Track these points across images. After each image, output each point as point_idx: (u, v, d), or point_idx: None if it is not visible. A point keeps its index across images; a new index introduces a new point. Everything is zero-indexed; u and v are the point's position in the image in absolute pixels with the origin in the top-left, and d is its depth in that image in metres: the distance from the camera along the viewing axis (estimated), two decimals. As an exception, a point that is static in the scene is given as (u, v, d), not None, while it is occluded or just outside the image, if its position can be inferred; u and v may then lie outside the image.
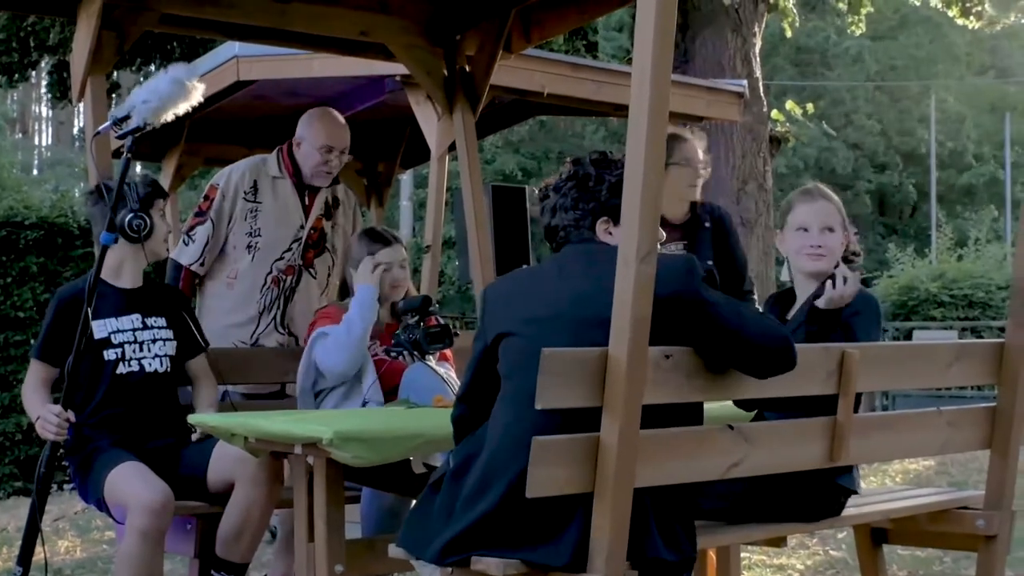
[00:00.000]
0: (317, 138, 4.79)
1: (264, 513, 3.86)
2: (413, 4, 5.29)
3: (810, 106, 13.82)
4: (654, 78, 2.58)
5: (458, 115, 5.48)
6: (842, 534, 6.12)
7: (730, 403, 3.29)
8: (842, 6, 14.34)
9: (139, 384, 4.02)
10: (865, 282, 3.51)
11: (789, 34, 13.91)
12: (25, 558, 3.67)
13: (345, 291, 4.37)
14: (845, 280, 3.38)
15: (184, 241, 4.82)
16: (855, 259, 3.72)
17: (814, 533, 6.10)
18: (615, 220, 2.87)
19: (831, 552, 5.97)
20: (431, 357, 4.18)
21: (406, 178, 21.38)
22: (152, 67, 15.03)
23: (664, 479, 2.80)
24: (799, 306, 3.62)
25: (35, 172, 37.81)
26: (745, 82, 9.65)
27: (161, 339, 4.08)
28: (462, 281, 13.78)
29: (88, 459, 3.91)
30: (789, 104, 13.29)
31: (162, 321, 4.10)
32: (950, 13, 13.41)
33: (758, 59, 12.06)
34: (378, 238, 4.34)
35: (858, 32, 14.66)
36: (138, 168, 17.03)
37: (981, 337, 15.56)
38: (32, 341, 4.23)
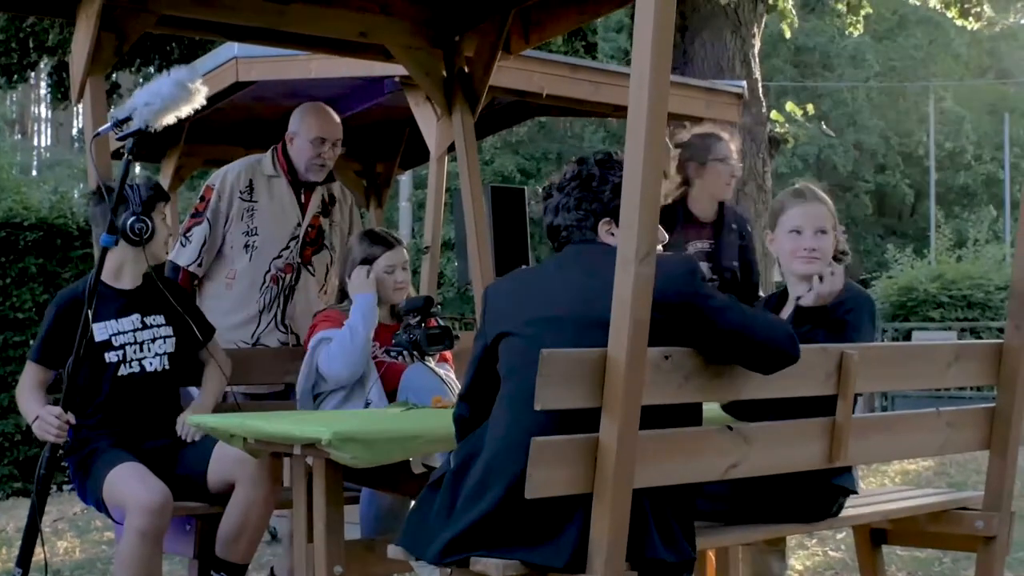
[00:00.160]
0: (309, 131, 4.82)
1: (264, 514, 3.86)
2: (412, 5, 5.29)
3: (810, 107, 13.81)
4: (653, 79, 2.58)
5: (457, 116, 5.48)
6: (841, 535, 6.12)
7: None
8: (841, 7, 14.34)
9: (140, 385, 4.02)
10: (864, 282, 3.52)
11: (788, 35, 13.90)
12: (25, 559, 3.67)
13: (344, 293, 4.36)
14: (833, 273, 3.39)
15: (181, 242, 4.83)
16: (843, 258, 3.72)
17: (813, 534, 6.10)
18: (617, 221, 2.87)
19: (830, 553, 5.98)
20: (430, 358, 4.18)
21: (405, 179, 21.35)
22: (151, 68, 15.01)
23: (663, 480, 2.80)
24: (790, 309, 3.61)
25: (34, 173, 37.76)
26: (744, 83, 9.66)
27: (161, 337, 4.09)
28: (461, 282, 13.76)
29: (87, 460, 3.91)
30: (788, 105, 13.28)
31: (160, 319, 4.10)
32: (949, 14, 13.40)
33: (757, 60, 12.05)
34: (380, 241, 4.34)
35: (856, 33, 14.66)
36: (137, 169, 17.03)
37: (980, 338, 15.56)
38: (31, 342, 4.21)
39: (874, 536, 4.01)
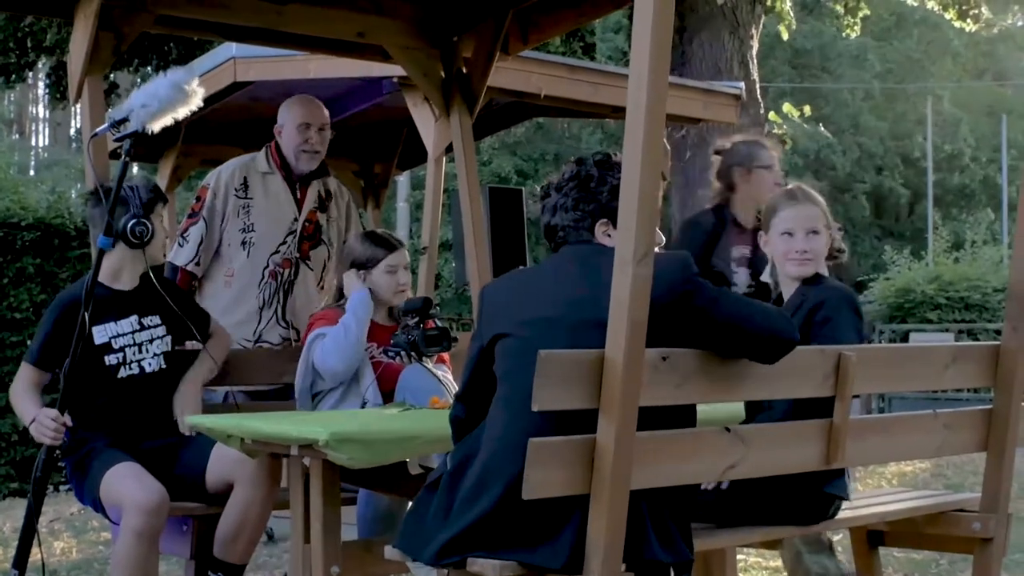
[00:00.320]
0: (294, 118, 4.87)
1: (263, 514, 3.86)
2: (410, 5, 5.29)
3: (807, 108, 13.82)
4: (651, 80, 2.58)
5: (455, 117, 5.48)
6: (838, 536, 6.12)
7: (723, 405, 3.30)
8: (839, 8, 14.35)
9: (139, 386, 4.02)
10: (861, 284, 3.52)
11: (785, 36, 13.91)
12: (21, 561, 3.66)
13: (342, 292, 4.36)
14: None
15: (179, 243, 4.84)
16: (839, 255, 3.72)
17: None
18: (614, 223, 2.87)
19: (827, 554, 5.96)
20: (428, 359, 4.18)
21: (403, 180, 21.37)
22: (149, 68, 15.01)
23: (660, 481, 2.80)
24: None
25: (32, 173, 37.73)
26: (742, 84, 9.66)
27: (158, 337, 4.09)
28: (459, 283, 13.76)
29: (84, 460, 3.90)
30: (786, 107, 13.29)
31: (156, 319, 4.10)
32: (947, 15, 13.42)
33: (755, 61, 12.06)
34: (382, 242, 4.34)
35: (853, 35, 14.68)
36: (135, 169, 16.99)
37: (977, 339, 15.57)
38: (29, 342, 4.19)
39: (871, 538, 4.01)
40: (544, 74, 7.35)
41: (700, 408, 3.06)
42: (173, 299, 4.11)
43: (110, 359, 3.98)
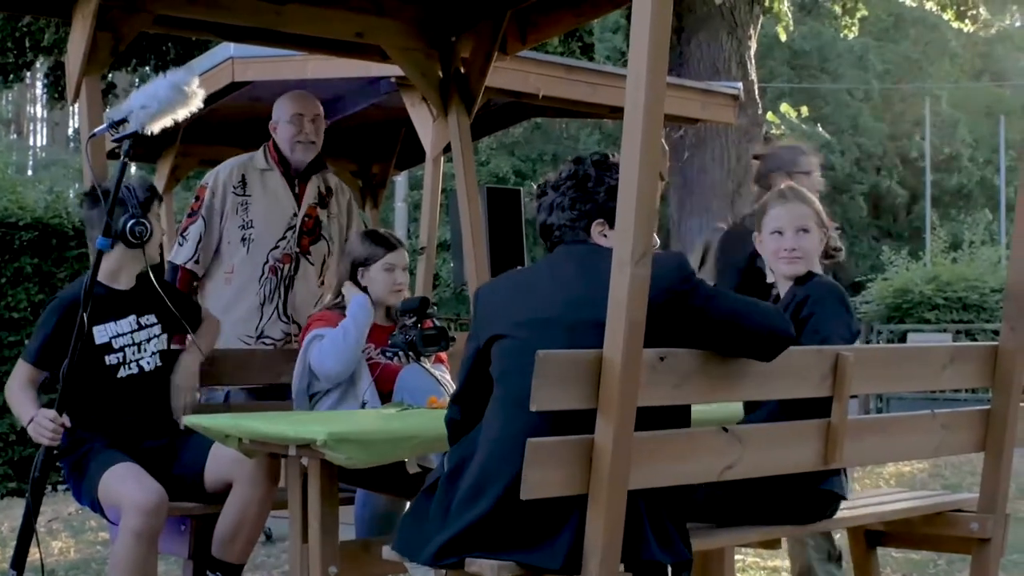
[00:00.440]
0: (286, 111, 4.92)
1: (261, 513, 3.86)
2: (408, 6, 5.29)
3: (804, 109, 13.83)
4: (649, 80, 2.58)
5: (453, 117, 5.48)
6: (836, 536, 6.12)
7: (719, 405, 3.30)
8: (837, 9, 14.36)
9: (139, 385, 4.02)
10: (859, 284, 3.51)
11: (783, 38, 13.91)
12: (19, 562, 3.66)
13: (340, 291, 4.36)
14: None
15: (179, 242, 4.87)
16: (836, 255, 3.72)
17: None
18: (611, 223, 2.87)
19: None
20: (426, 359, 4.18)
21: (401, 180, 21.36)
22: (147, 68, 15.02)
23: (658, 481, 2.80)
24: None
25: (30, 173, 37.74)
26: (740, 84, 9.66)
27: (155, 336, 4.09)
28: (457, 283, 13.74)
29: (82, 460, 3.89)
30: (784, 107, 13.31)
31: (153, 318, 4.10)
32: (945, 16, 13.43)
33: (753, 62, 12.08)
34: (382, 241, 4.35)
35: (851, 35, 14.69)
36: (133, 169, 16.99)
37: (975, 340, 15.57)
38: (27, 342, 4.18)
39: (869, 538, 4.01)
40: (542, 74, 7.35)
41: (700, 408, 3.06)
42: (170, 298, 4.11)
43: (110, 359, 3.98)
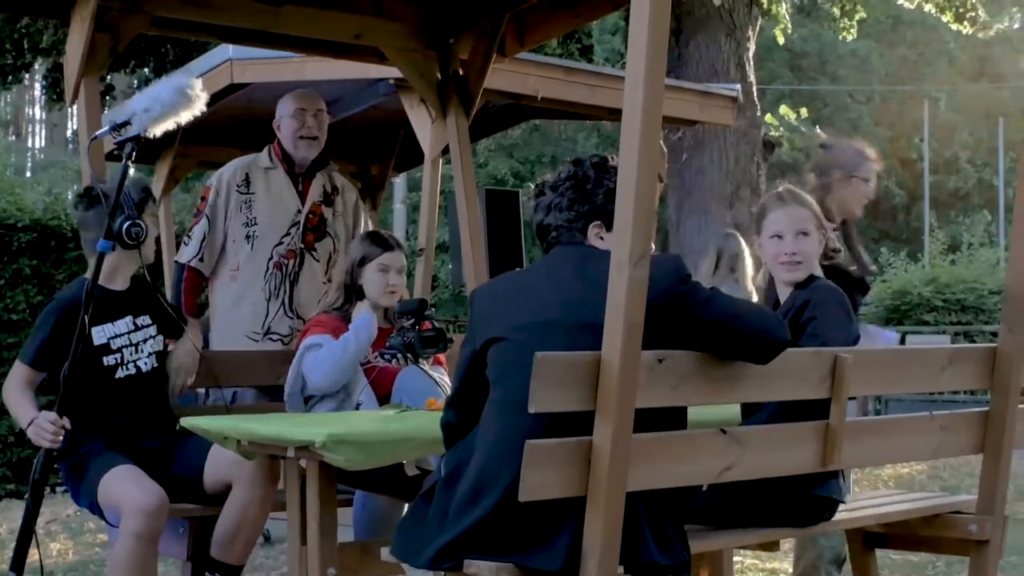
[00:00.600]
0: (288, 108, 4.94)
1: (261, 514, 3.86)
2: (407, 7, 5.30)
3: (803, 110, 13.83)
4: (647, 82, 2.58)
5: (451, 119, 5.48)
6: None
7: (716, 409, 3.29)
8: (835, 11, 14.36)
9: (137, 385, 4.02)
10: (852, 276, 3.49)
11: (781, 40, 13.90)
12: (18, 564, 3.65)
13: (344, 293, 4.34)
14: None
15: (184, 242, 4.92)
16: (835, 256, 3.71)
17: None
18: (608, 225, 2.87)
19: (824, 556, 5.96)
20: (424, 361, 4.17)
21: (399, 181, 21.35)
22: (146, 70, 15.02)
23: (657, 483, 2.80)
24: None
25: (28, 174, 37.76)
26: (739, 86, 9.67)
27: (151, 337, 4.10)
28: (455, 285, 13.75)
29: (81, 462, 3.89)
30: (782, 109, 13.31)
31: (148, 319, 4.11)
32: (944, 18, 13.43)
33: (751, 63, 12.08)
34: (380, 242, 4.34)
35: (850, 37, 14.69)
36: (131, 170, 16.98)
37: (974, 342, 15.57)
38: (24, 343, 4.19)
39: (868, 539, 4.01)
40: (541, 76, 7.36)
41: (700, 410, 3.06)
42: (165, 298, 4.12)
43: (108, 360, 3.98)
